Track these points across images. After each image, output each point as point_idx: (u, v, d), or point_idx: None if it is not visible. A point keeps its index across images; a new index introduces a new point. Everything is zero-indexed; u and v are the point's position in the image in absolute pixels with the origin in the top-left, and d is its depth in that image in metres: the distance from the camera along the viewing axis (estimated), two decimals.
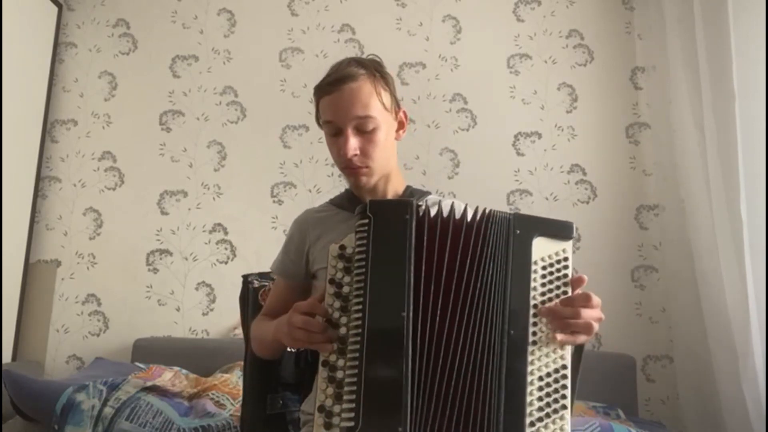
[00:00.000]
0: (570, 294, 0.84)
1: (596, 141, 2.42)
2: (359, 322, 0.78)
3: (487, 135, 2.44)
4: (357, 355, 0.76)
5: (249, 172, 2.43)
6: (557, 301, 0.83)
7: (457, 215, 0.86)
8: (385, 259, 0.81)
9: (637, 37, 2.48)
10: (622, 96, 2.45)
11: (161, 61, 2.52)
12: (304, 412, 1.08)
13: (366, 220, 0.82)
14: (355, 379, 0.76)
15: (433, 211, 0.85)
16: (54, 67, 2.45)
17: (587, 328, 0.82)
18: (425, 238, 0.82)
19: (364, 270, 0.80)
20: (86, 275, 2.35)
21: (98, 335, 2.31)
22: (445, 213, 0.86)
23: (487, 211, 0.86)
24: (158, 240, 2.38)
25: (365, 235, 0.82)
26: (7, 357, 2.15)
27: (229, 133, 2.46)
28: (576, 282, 0.85)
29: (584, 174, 2.40)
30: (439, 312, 0.80)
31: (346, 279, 0.83)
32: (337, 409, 0.76)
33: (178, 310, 2.33)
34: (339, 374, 0.77)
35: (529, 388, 0.78)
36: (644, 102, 2.43)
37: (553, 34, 2.51)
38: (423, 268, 0.81)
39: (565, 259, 0.85)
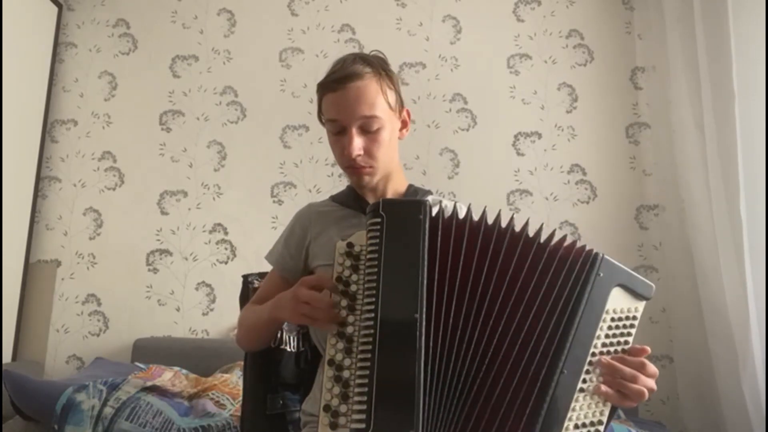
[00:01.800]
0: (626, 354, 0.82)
1: (596, 141, 2.42)
2: (370, 323, 0.76)
3: (487, 135, 2.44)
4: (368, 355, 0.75)
5: (249, 172, 2.43)
6: (613, 357, 0.80)
7: (475, 217, 0.84)
8: (397, 259, 0.79)
9: (637, 37, 2.48)
10: (622, 96, 2.45)
11: (161, 61, 2.52)
12: (305, 412, 1.08)
13: (378, 219, 0.80)
14: (365, 380, 0.74)
15: (446, 213, 0.84)
16: (54, 67, 2.45)
17: (639, 396, 0.79)
18: (439, 239, 0.81)
19: (376, 270, 0.79)
20: (86, 275, 2.35)
21: (98, 335, 2.31)
22: (461, 215, 0.84)
23: (571, 239, 0.83)
24: (158, 240, 2.38)
25: (378, 234, 0.80)
26: (7, 357, 2.15)
27: (229, 133, 2.46)
28: (638, 351, 0.82)
29: (584, 174, 2.40)
30: (452, 317, 0.79)
31: (354, 277, 0.81)
32: (343, 409, 0.74)
33: (178, 310, 2.33)
34: (346, 374, 0.76)
35: None
36: (644, 102, 2.43)
37: (553, 34, 2.51)
38: (437, 269, 0.80)
39: (635, 318, 0.83)
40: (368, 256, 0.80)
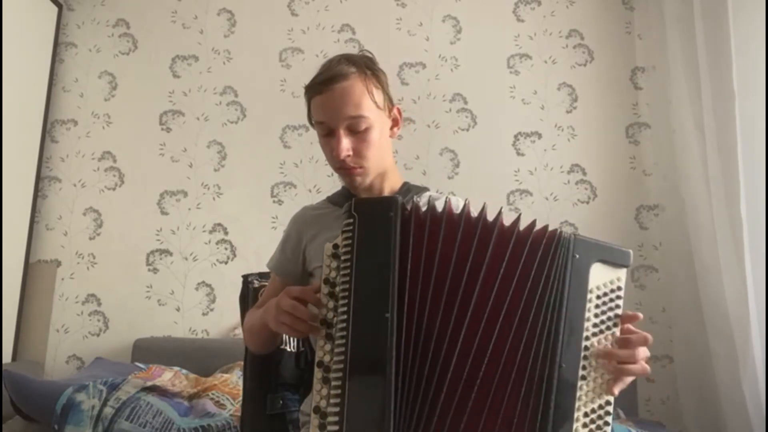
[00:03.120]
0: (619, 328, 0.80)
1: (596, 141, 2.42)
2: (344, 324, 0.77)
3: (487, 135, 2.44)
4: (342, 357, 0.76)
5: (249, 172, 2.43)
6: (609, 338, 0.79)
7: (457, 211, 0.83)
8: (369, 259, 0.79)
9: (637, 37, 2.48)
10: (622, 96, 2.45)
11: (161, 61, 2.52)
12: (303, 412, 1.08)
13: (351, 220, 0.80)
14: (339, 382, 0.75)
15: (424, 208, 0.82)
16: (54, 67, 2.44)
17: (641, 372, 0.79)
18: (412, 236, 0.80)
19: (349, 270, 0.79)
20: (86, 275, 2.35)
21: (98, 335, 2.31)
22: (458, 209, 0.83)
23: (545, 225, 0.82)
24: (158, 240, 2.38)
25: (350, 234, 0.80)
26: (7, 357, 2.15)
27: (229, 133, 2.46)
28: (629, 318, 0.81)
29: (584, 174, 2.40)
30: (427, 314, 0.78)
31: (339, 279, 0.81)
32: (331, 410, 0.75)
33: (178, 310, 2.33)
34: (332, 375, 0.77)
35: (575, 425, 0.76)
36: (644, 102, 2.43)
37: (553, 34, 2.51)
38: (409, 267, 0.79)
39: (619, 288, 0.81)
40: (343, 258, 0.80)
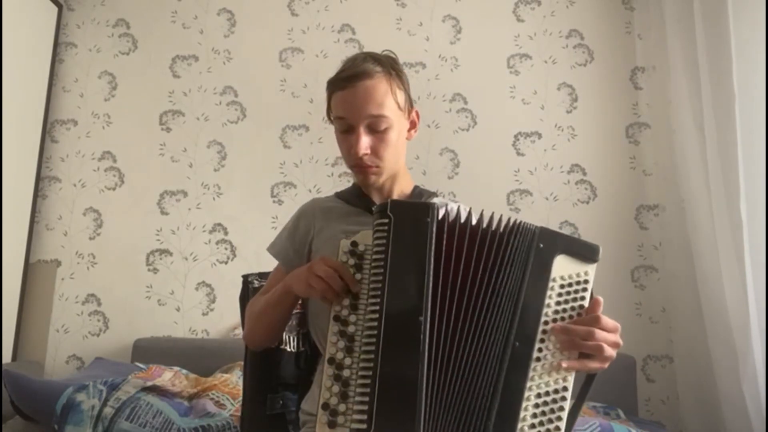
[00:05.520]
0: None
1: (596, 141, 2.42)
2: (374, 323, 0.77)
3: (487, 135, 2.44)
4: (371, 356, 0.76)
5: (249, 172, 2.43)
6: (568, 321, 0.81)
7: (472, 220, 0.86)
8: (404, 261, 0.79)
9: (637, 37, 2.48)
10: (622, 96, 2.45)
11: (161, 61, 2.52)
12: (304, 411, 1.08)
13: (386, 220, 0.81)
14: (367, 381, 0.75)
15: (451, 216, 0.84)
16: (54, 67, 2.45)
17: (598, 350, 0.79)
18: (444, 242, 0.81)
19: (382, 270, 0.79)
20: (86, 275, 2.35)
21: (98, 335, 2.31)
22: (463, 218, 0.85)
23: (512, 221, 0.84)
24: (158, 240, 2.38)
25: (385, 234, 0.80)
26: (7, 357, 2.15)
27: (229, 133, 2.46)
28: (591, 307, 0.82)
29: (584, 174, 2.40)
30: (452, 318, 0.80)
31: (357, 276, 0.82)
32: (342, 408, 0.75)
33: (178, 310, 2.33)
34: (346, 372, 0.77)
35: (524, 404, 0.77)
36: (644, 102, 2.43)
37: (553, 34, 2.51)
38: (441, 273, 0.80)
39: (585, 281, 0.83)
40: (374, 257, 0.81)
